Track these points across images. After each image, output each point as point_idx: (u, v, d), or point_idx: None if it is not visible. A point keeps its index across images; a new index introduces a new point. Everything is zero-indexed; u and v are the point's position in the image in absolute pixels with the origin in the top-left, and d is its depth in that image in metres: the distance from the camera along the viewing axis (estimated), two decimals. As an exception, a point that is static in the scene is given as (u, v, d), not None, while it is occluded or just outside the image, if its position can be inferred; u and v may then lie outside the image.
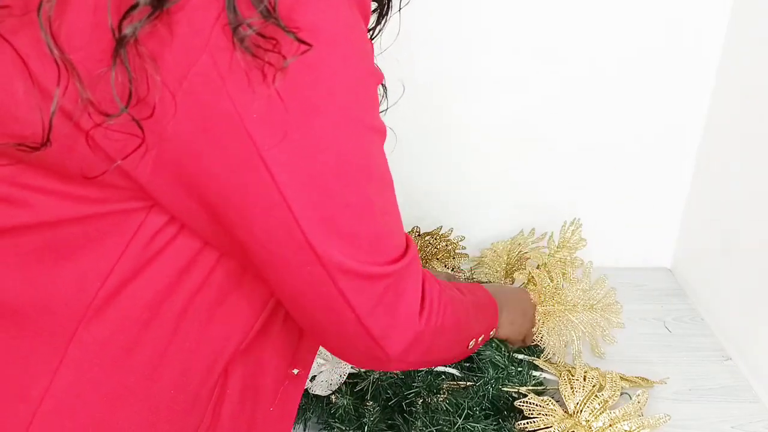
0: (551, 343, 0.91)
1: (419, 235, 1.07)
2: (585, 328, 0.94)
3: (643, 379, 0.87)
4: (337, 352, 0.62)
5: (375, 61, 0.63)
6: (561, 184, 1.15)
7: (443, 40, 1.03)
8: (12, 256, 0.52)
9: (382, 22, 0.66)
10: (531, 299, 0.92)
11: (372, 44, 0.59)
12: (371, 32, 0.67)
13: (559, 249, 1.02)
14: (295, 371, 0.67)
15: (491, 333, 0.78)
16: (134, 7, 0.42)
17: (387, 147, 0.54)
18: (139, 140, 0.45)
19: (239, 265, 0.56)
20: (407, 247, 0.58)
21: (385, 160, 0.54)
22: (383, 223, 0.54)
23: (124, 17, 0.42)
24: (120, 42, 0.42)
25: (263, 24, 0.43)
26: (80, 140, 0.46)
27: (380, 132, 0.53)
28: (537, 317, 0.92)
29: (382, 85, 0.66)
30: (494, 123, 1.10)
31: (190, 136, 0.45)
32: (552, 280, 0.95)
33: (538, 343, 0.91)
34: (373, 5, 0.64)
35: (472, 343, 0.73)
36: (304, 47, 0.44)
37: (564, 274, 0.97)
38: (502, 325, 0.82)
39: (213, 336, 0.59)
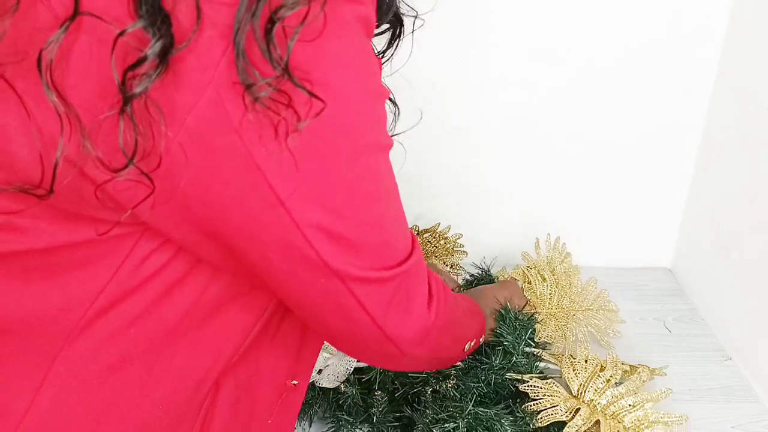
0: (558, 342, 0.93)
1: (418, 233, 1.07)
2: (588, 328, 0.96)
3: (643, 366, 0.87)
4: (352, 352, 0.64)
5: (384, 81, 0.63)
6: (561, 183, 1.15)
7: (444, 39, 1.02)
8: None
9: (395, 45, 0.67)
10: (512, 295, 0.93)
11: (379, 60, 0.59)
12: (383, 54, 0.67)
13: (550, 261, 1.02)
14: (294, 383, 0.68)
15: (481, 339, 0.81)
16: (142, 60, 0.41)
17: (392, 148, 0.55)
18: (149, 189, 0.45)
19: (233, 280, 0.56)
20: (413, 246, 0.59)
21: (391, 170, 0.56)
22: (391, 232, 0.55)
23: (129, 70, 0.41)
24: (127, 99, 0.41)
25: (278, 80, 0.42)
26: (88, 188, 0.45)
27: (387, 147, 0.54)
28: (540, 318, 0.95)
29: (394, 103, 0.66)
30: (494, 121, 1.10)
31: (196, 172, 0.44)
32: (545, 280, 0.97)
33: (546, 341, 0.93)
34: (384, 26, 0.65)
35: (467, 345, 0.76)
36: (318, 105, 0.44)
37: (570, 282, 0.98)
38: (487, 328, 0.85)
39: (204, 350, 0.58)
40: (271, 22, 0.41)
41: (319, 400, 0.84)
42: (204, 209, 0.47)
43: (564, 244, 1.02)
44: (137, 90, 0.41)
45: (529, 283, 0.98)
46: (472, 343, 0.77)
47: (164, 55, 0.41)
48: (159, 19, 0.41)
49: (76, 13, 0.41)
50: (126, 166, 0.43)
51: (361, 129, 0.49)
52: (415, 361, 0.65)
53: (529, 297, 0.96)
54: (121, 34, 0.41)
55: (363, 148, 0.50)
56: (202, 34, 0.41)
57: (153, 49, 0.40)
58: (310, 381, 0.81)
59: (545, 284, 0.97)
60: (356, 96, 0.48)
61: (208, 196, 0.46)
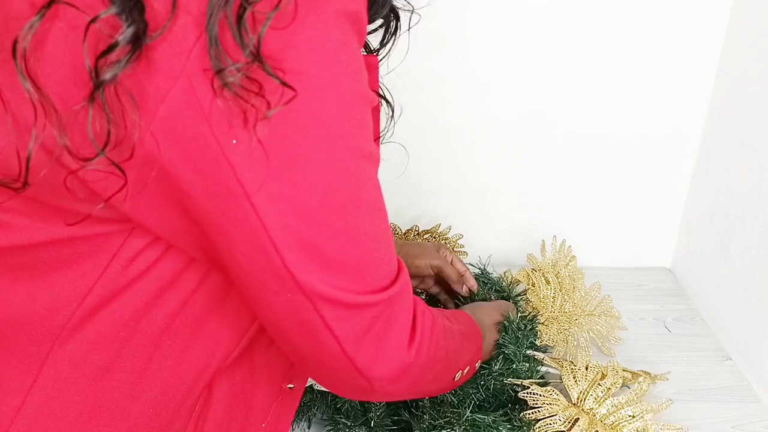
0: (560, 347, 0.93)
1: (418, 233, 1.07)
2: (590, 333, 0.95)
3: (645, 372, 0.87)
4: (319, 379, 0.60)
5: (381, 80, 0.61)
6: (561, 183, 1.15)
7: (445, 39, 1.02)
8: None
9: (391, 42, 0.65)
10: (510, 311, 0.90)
11: (373, 63, 0.58)
12: (379, 51, 0.66)
13: (555, 264, 1.02)
14: (290, 386, 0.66)
15: (476, 365, 0.77)
16: (113, 47, 0.40)
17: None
18: (122, 179, 0.44)
19: (225, 281, 0.55)
20: (398, 273, 0.56)
21: (377, 185, 0.53)
22: (371, 251, 0.52)
23: (100, 57, 0.41)
24: (98, 86, 0.41)
25: (248, 66, 0.42)
26: (63, 178, 0.45)
27: (370, 157, 0.51)
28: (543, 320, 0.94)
29: (389, 105, 0.64)
30: (494, 122, 1.10)
31: (169, 160, 0.44)
32: (548, 283, 0.96)
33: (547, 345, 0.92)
34: (380, 21, 0.63)
35: (458, 375, 0.71)
36: (289, 93, 0.43)
37: (575, 286, 0.98)
38: (486, 348, 0.80)
39: (196, 352, 0.57)
40: (243, 7, 0.41)
41: (317, 403, 0.84)
42: (179, 200, 0.46)
43: (569, 247, 1.02)
44: (107, 76, 0.41)
45: (533, 285, 0.97)
46: (465, 371, 0.73)
47: (136, 42, 0.40)
48: (131, 5, 0.40)
49: (52, 0, 0.41)
50: (96, 156, 0.43)
51: (340, 126, 0.47)
52: (390, 396, 0.61)
53: (532, 300, 0.96)
54: (93, 20, 0.41)
55: (342, 149, 0.47)
56: (177, 21, 0.41)
57: (124, 35, 0.40)
58: (310, 384, 0.81)
59: (549, 287, 0.96)
60: (334, 89, 0.45)
61: (181, 186, 0.45)
